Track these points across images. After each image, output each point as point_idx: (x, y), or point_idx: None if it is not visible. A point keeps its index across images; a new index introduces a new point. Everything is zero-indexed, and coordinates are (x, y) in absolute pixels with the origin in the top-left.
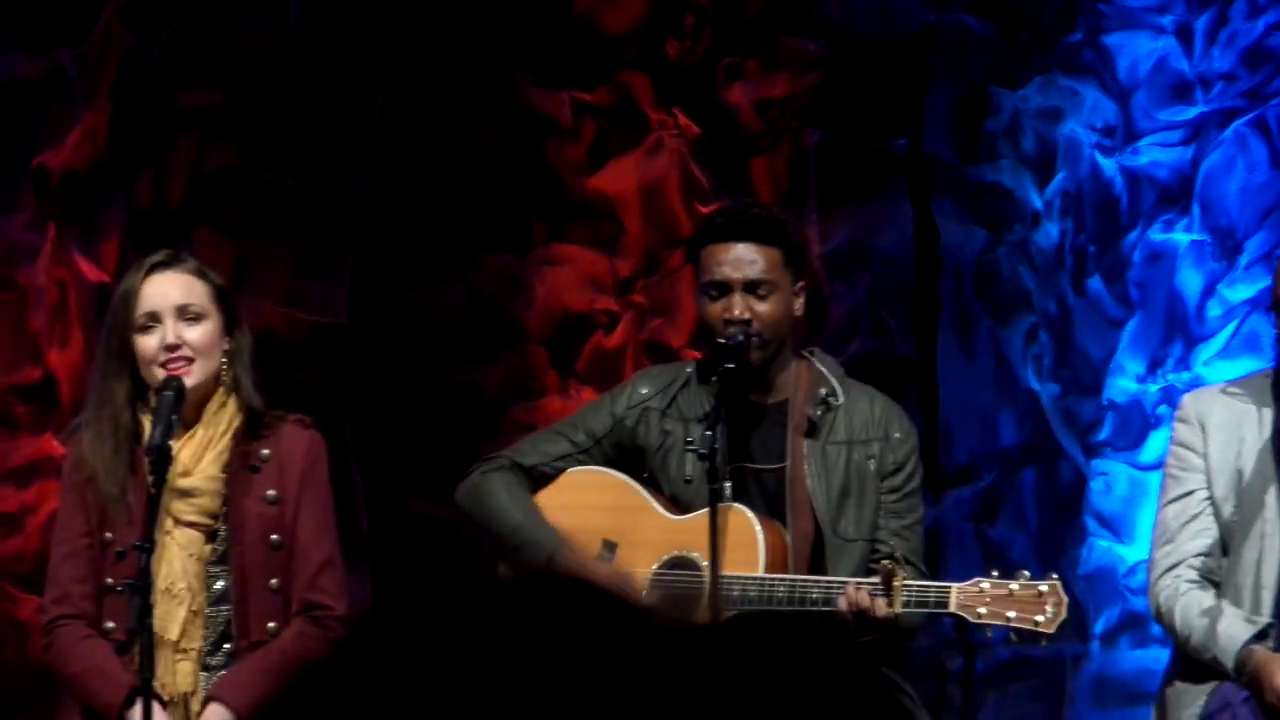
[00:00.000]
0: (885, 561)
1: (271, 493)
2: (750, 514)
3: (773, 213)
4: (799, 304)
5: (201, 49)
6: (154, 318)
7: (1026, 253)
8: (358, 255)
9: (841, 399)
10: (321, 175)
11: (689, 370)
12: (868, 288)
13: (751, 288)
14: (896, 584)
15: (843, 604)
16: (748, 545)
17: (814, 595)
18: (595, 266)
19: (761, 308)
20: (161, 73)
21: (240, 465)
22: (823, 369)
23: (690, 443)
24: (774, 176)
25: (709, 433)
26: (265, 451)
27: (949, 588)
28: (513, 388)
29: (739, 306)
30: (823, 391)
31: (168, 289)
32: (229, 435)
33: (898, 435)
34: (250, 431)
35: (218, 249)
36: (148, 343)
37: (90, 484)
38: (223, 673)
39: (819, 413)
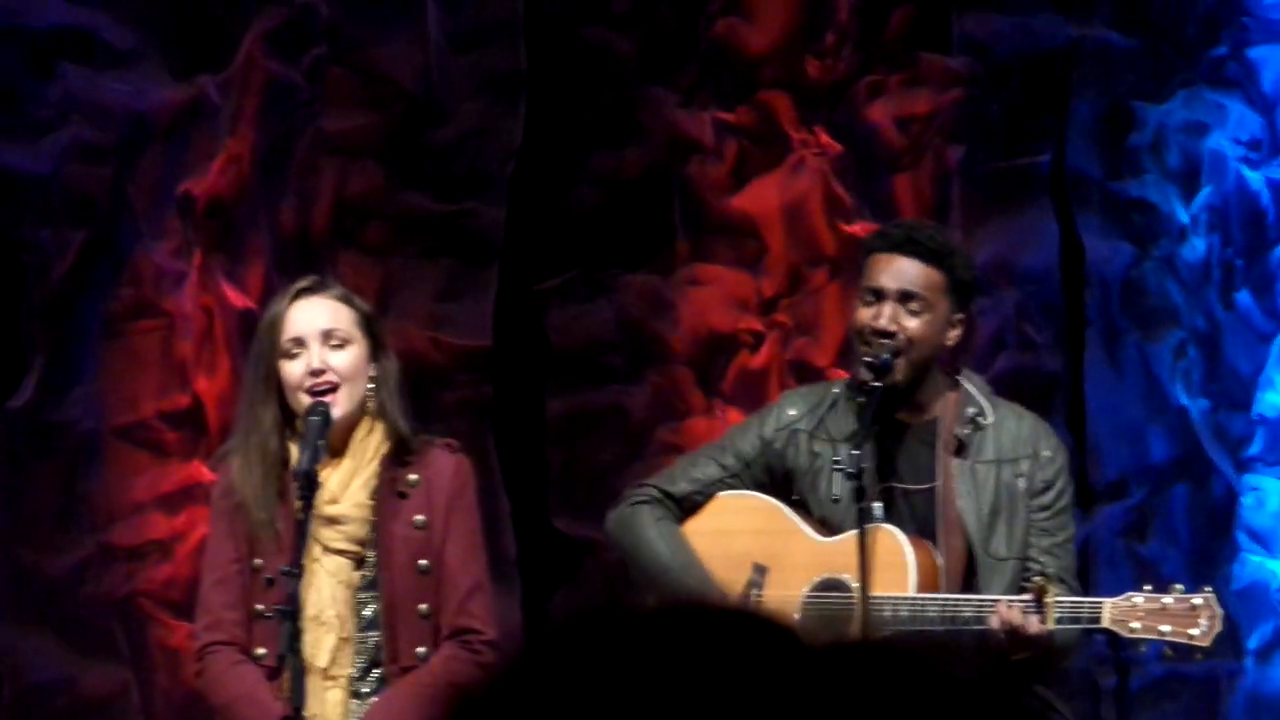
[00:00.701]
0: (1037, 579)
1: (420, 518)
2: (899, 534)
3: (948, 238)
4: (954, 334)
5: (343, 74)
6: (299, 343)
7: (1173, 267)
8: (502, 278)
9: (990, 418)
10: (465, 198)
11: (836, 390)
12: (1014, 304)
13: (905, 299)
14: (1048, 600)
15: (995, 622)
16: (898, 566)
17: (966, 614)
18: (739, 286)
19: (911, 323)
20: (304, 98)
21: (388, 491)
22: (971, 388)
23: (838, 463)
24: (917, 194)
25: (856, 452)
26: (413, 477)
27: (1101, 603)
28: (658, 409)
29: (887, 316)
30: (971, 411)
31: (313, 315)
32: (377, 461)
33: (1047, 453)
34: (398, 457)
35: (362, 274)
36: (293, 369)
37: (239, 510)
38: (373, 699)
39: (967, 432)
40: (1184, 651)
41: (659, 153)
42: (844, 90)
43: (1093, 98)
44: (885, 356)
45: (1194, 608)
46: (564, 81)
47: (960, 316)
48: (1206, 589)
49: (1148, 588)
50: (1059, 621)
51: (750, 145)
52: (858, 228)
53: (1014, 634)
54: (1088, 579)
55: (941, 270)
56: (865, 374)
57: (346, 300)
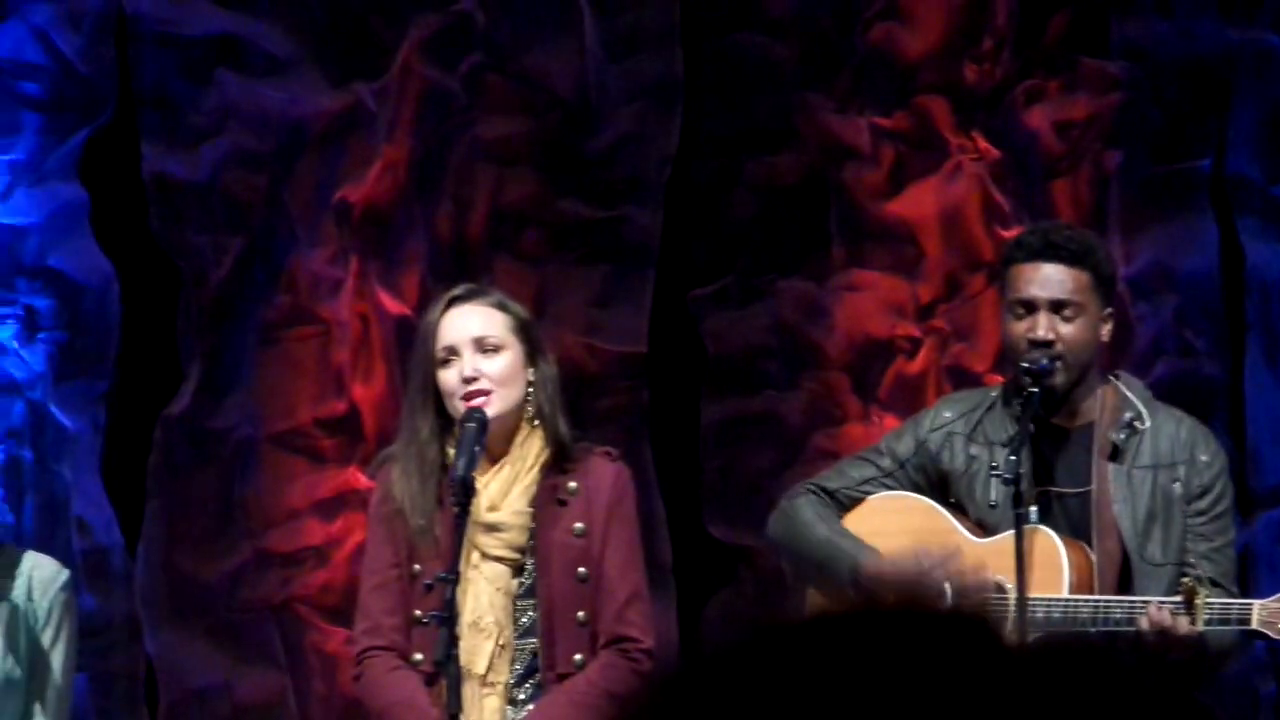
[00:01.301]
0: (1186, 580)
1: (579, 526)
2: (1055, 536)
3: (1085, 236)
4: (1106, 330)
5: (500, 81)
6: (453, 351)
7: None
8: (658, 284)
9: (1147, 422)
10: (621, 204)
11: (994, 395)
12: (1173, 310)
13: (1058, 308)
14: (1198, 601)
15: (1145, 623)
16: (1053, 567)
17: (1117, 615)
18: (896, 292)
19: (1066, 329)
20: (460, 105)
21: (548, 499)
22: (1128, 392)
23: (995, 468)
24: (1075, 199)
25: (1013, 457)
26: (572, 485)
27: (1251, 604)
28: (814, 415)
29: (1043, 326)
30: (1128, 415)
31: (465, 322)
32: (536, 468)
33: (1204, 458)
34: (557, 464)
35: (518, 280)
36: (448, 376)
37: (398, 516)
38: (529, 707)
39: (1123, 436)
40: None
41: (815, 158)
42: (1002, 95)
43: (1254, 101)
44: (1044, 362)
45: None
46: (720, 87)
47: (1109, 311)
48: None
49: None
50: (1208, 623)
51: (907, 150)
52: (1016, 233)
53: (1164, 635)
54: (1248, 585)
55: (1086, 270)
56: (1024, 379)
57: (500, 306)
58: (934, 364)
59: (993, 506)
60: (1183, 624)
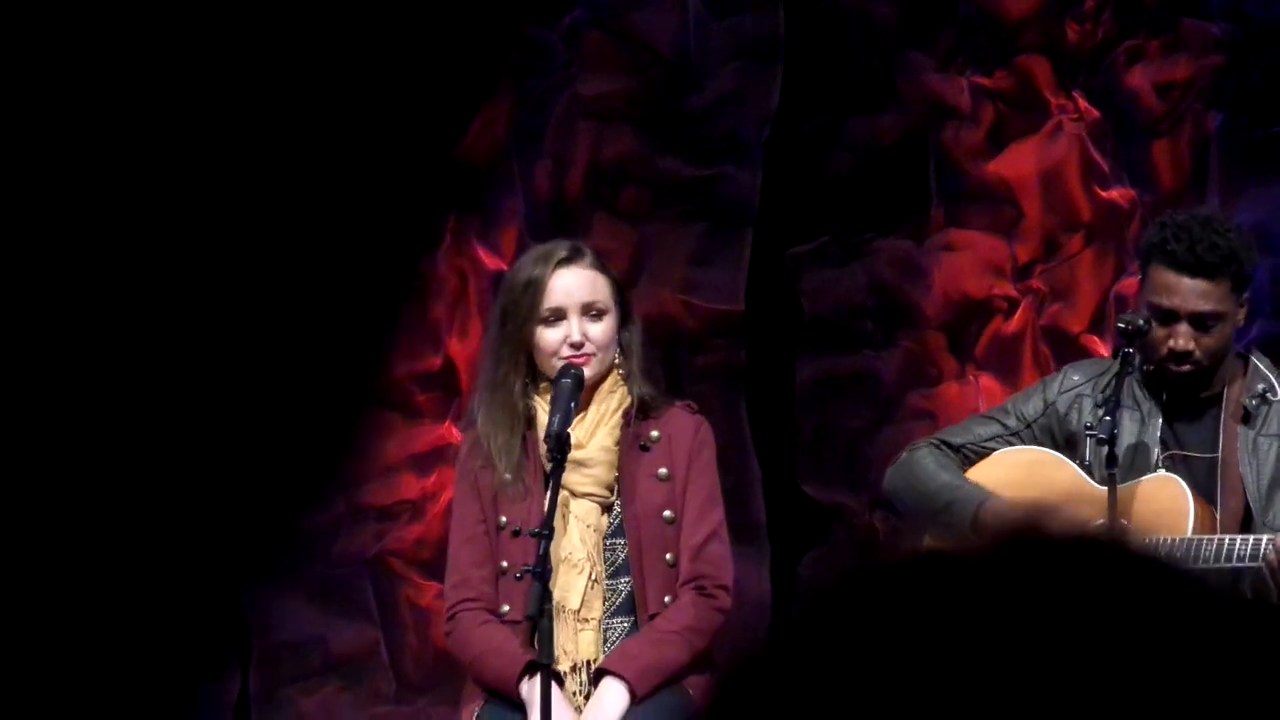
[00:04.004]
0: None
1: (663, 470)
2: (1182, 483)
3: (1229, 240)
4: (1241, 315)
5: (601, 38)
6: (559, 314)
7: None
8: (756, 242)
9: (1279, 395)
10: (720, 163)
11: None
12: (1270, 271)
13: (1199, 322)
14: None
15: (1272, 555)
16: (1179, 513)
17: (1240, 551)
18: (994, 252)
19: (1207, 340)
20: (561, 62)
21: (632, 443)
22: (1260, 366)
23: (1089, 427)
24: (1175, 160)
25: (1107, 418)
26: (655, 433)
27: None
28: (910, 374)
29: (1183, 337)
30: (1260, 386)
31: (574, 285)
32: (620, 413)
33: None
34: (640, 414)
35: (615, 237)
36: (551, 336)
37: (485, 470)
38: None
39: (1255, 403)
40: None
41: (915, 118)
42: (1103, 55)
43: None
44: (1140, 322)
45: None
46: (821, 46)
47: (1245, 296)
48: None
49: None
50: None
51: (1008, 110)
52: (1115, 194)
53: None
54: None
55: (1229, 277)
56: (1120, 340)
57: (603, 269)
58: (1031, 324)
59: (1087, 466)
60: None
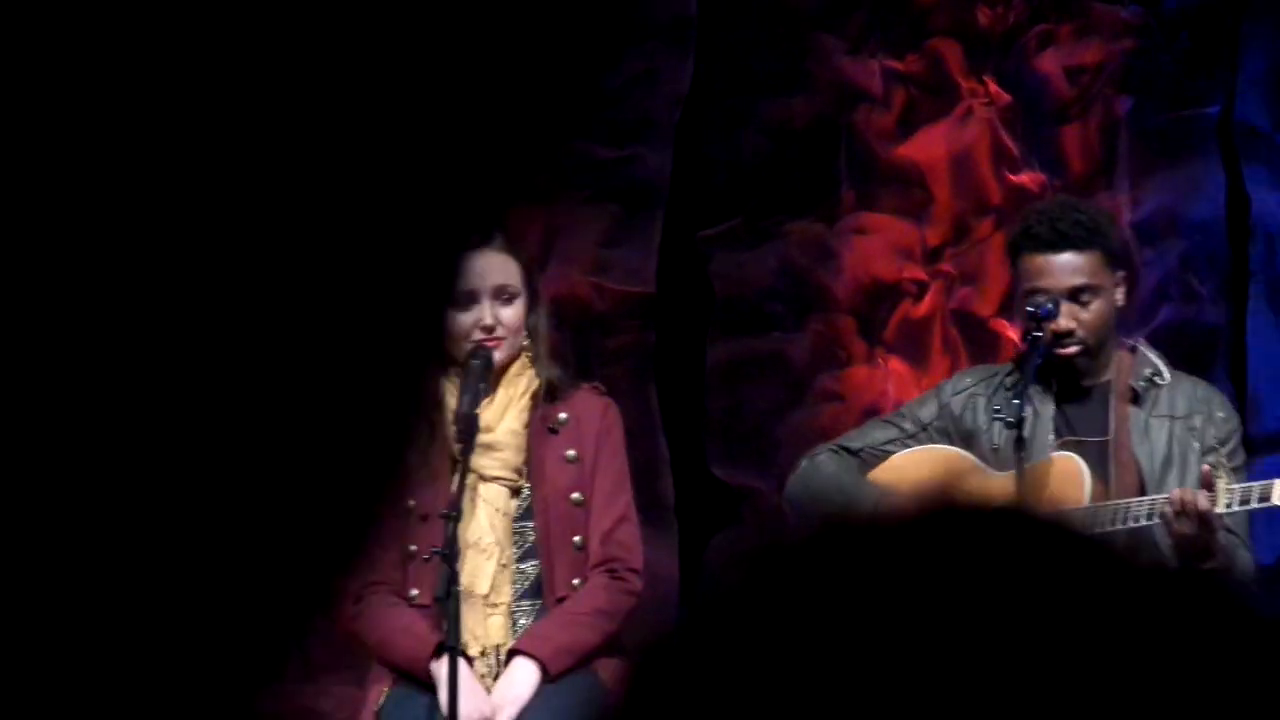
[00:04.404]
0: (1205, 466)
1: (571, 452)
2: (1076, 457)
3: (1091, 214)
4: (1120, 294)
5: None
6: (471, 297)
7: None
8: (666, 224)
9: (1167, 378)
10: (631, 144)
11: (1010, 365)
12: (1178, 255)
13: (1074, 295)
14: (1219, 485)
15: (1168, 508)
16: (1075, 485)
17: (1136, 512)
18: (904, 235)
19: (1085, 315)
20: None
21: (540, 426)
22: (1148, 353)
23: (997, 411)
24: (1085, 144)
25: (1016, 401)
26: (562, 415)
27: (1272, 482)
28: (820, 357)
29: (1064, 318)
30: (1148, 371)
31: (485, 269)
32: (528, 396)
33: (1221, 414)
34: (548, 397)
35: (527, 219)
36: (462, 320)
37: None
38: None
39: (1144, 385)
40: None
41: (827, 101)
42: (1014, 39)
43: (1263, 49)
44: (1048, 306)
45: None
46: (733, 28)
47: (1123, 274)
48: None
49: None
50: (1228, 506)
51: (918, 94)
52: (1025, 178)
53: (1189, 518)
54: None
55: (1097, 249)
56: (1028, 324)
57: (514, 253)
58: (940, 308)
59: (995, 450)
60: (1204, 500)
